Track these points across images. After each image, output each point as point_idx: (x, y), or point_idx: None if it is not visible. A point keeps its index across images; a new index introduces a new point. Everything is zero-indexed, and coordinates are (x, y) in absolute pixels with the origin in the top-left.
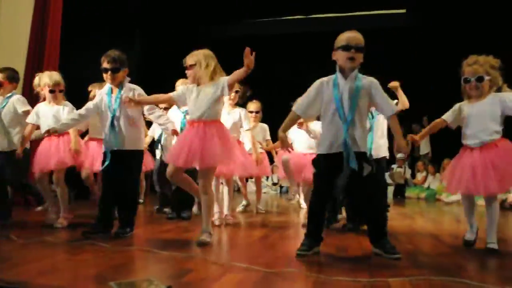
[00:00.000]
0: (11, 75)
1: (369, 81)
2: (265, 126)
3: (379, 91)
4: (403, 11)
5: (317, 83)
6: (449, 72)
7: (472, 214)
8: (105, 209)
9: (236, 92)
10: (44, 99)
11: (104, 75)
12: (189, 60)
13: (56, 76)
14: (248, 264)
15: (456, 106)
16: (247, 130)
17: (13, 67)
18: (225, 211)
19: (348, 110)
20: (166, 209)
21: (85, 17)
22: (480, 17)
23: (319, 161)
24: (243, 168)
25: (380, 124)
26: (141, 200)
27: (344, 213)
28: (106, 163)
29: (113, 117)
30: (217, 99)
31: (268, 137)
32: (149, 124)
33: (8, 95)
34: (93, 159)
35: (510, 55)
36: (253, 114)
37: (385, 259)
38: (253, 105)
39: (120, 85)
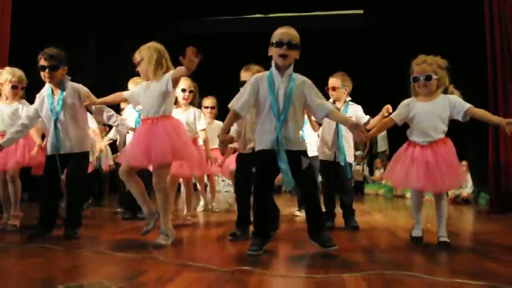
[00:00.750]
0: None
1: (302, 81)
2: (221, 123)
3: (312, 91)
4: (361, 11)
5: (252, 79)
6: (400, 72)
7: (420, 211)
8: (48, 210)
9: (191, 91)
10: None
11: (42, 74)
12: (137, 55)
13: (19, 72)
14: (203, 263)
15: (404, 102)
16: (201, 130)
17: None
18: (185, 211)
19: (282, 109)
20: (119, 209)
21: (36, 10)
22: (430, 20)
23: (258, 157)
24: (199, 167)
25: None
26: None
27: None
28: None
29: (56, 120)
30: (164, 94)
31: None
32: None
33: None
34: None
35: (456, 56)
36: (209, 109)
37: (324, 253)
38: (209, 101)
39: (61, 85)
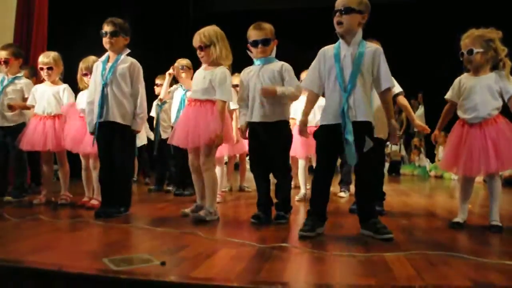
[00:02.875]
0: (16, 51)
1: (374, 48)
2: None
3: (382, 60)
4: None
5: (319, 53)
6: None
7: (467, 199)
8: (105, 186)
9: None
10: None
11: (103, 40)
12: (201, 39)
13: (49, 54)
14: (242, 239)
15: (456, 80)
16: (234, 109)
17: (15, 43)
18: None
19: (349, 77)
20: (170, 187)
21: None
22: None
23: (320, 133)
24: (230, 147)
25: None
26: (134, 178)
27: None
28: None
29: (104, 86)
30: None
31: None
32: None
33: (18, 75)
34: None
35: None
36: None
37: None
38: (237, 79)
39: (118, 53)
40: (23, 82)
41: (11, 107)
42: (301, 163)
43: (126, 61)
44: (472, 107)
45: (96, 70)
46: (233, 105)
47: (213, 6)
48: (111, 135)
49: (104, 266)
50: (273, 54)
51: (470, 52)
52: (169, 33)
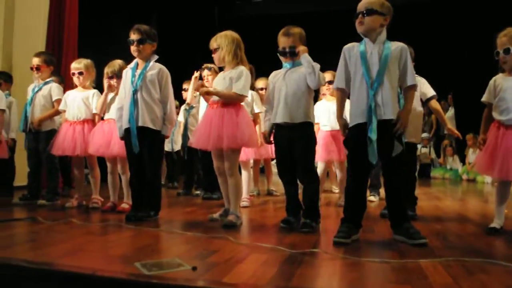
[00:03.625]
0: (48, 59)
1: (400, 45)
2: None
3: (408, 58)
4: None
5: (342, 51)
6: (477, 47)
7: (504, 203)
8: (135, 190)
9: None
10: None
11: (131, 48)
12: (214, 43)
13: (80, 61)
14: (273, 244)
15: (491, 81)
16: (258, 112)
17: (48, 51)
18: (245, 194)
19: (376, 75)
20: (198, 191)
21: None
22: None
23: (350, 136)
24: (256, 151)
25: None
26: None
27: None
28: (133, 140)
29: (134, 92)
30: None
31: None
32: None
33: (47, 80)
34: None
35: None
36: (263, 91)
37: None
38: (262, 82)
39: (147, 61)
40: (50, 85)
41: (33, 123)
42: (320, 166)
43: (155, 68)
44: (508, 108)
45: (125, 77)
46: (257, 108)
47: (239, 10)
48: (141, 140)
49: (136, 270)
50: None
51: (507, 51)
52: (196, 37)
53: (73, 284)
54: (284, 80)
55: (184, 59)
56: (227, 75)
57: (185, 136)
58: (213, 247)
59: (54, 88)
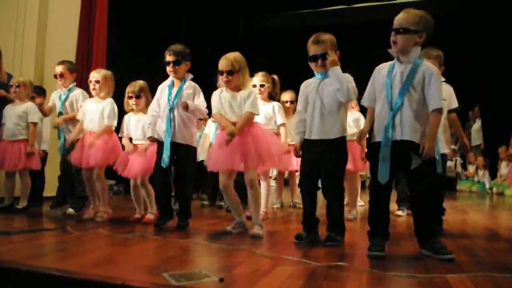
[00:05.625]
0: (71, 67)
1: (428, 68)
2: None
3: (433, 81)
4: None
5: (374, 71)
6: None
7: None
8: (164, 200)
9: (261, 86)
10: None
11: (167, 68)
12: (226, 65)
13: (100, 71)
14: (298, 257)
15: None
16: (281, 124)
17: (70, 60)
18: (263, 207)
19: (397, 96)
20: (222, 203)
21: (130, 6)
22: None
23: (372, 151)
24: (279, 162)
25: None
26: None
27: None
28: (165, 155)
29: (170, 110)
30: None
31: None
32: None
33: (70, 87)
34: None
35: None
36: (288, 103)
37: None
38: (288, 95)
39: (182, 79)
40: (74, 93)
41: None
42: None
43: (190, 87)
44: None
45: (161, 93)
46: (281, 119)
47: (262, 23)
48: (174, 153)
49: (165, 281)
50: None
51: None
52: (220, 49)
53: None
54: (317, 94)
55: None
56: (236, 98)
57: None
58: (238, 259)
59: (78, 94)
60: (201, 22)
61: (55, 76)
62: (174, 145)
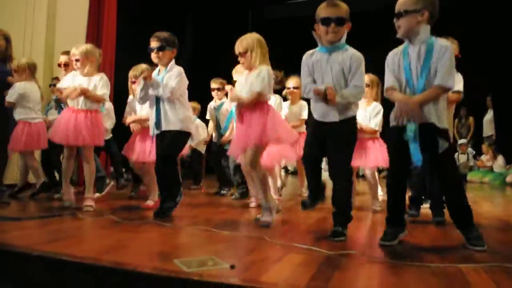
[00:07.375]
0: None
1: (442, 44)
2: (304, 103)
3: (447, 57)
4: None
5: (387, 58)
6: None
7: None
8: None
9: (295, 88)
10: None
11: (152, 55)
12: (240, 47)
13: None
14: (309, 245)
15: None
16: (304, 119)
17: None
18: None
19: (419, 76)
20: (223, 191)
21: (138, 2)
22: None
23: (391, 135)
24: (282, 156)
25: None
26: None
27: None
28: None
29: (158, 98)
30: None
31: (304, 116)
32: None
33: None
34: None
35: None
36: (291, 89)
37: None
38: (293, 80)
39: (167, 66)
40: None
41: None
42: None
43: (171, 70)
44: None
45: None
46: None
47: (271, 12)
48: (162, 139)
49: (176, 267)
50: (343, 39)
51: None
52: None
53: (115, 278)
54: (327, 65)
55: (216, 61)
56: (248, 78)
57: (218, 134)
58: (249, 246)
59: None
60: (209, 15)
61: (59, 65)
62: (163, 133)
